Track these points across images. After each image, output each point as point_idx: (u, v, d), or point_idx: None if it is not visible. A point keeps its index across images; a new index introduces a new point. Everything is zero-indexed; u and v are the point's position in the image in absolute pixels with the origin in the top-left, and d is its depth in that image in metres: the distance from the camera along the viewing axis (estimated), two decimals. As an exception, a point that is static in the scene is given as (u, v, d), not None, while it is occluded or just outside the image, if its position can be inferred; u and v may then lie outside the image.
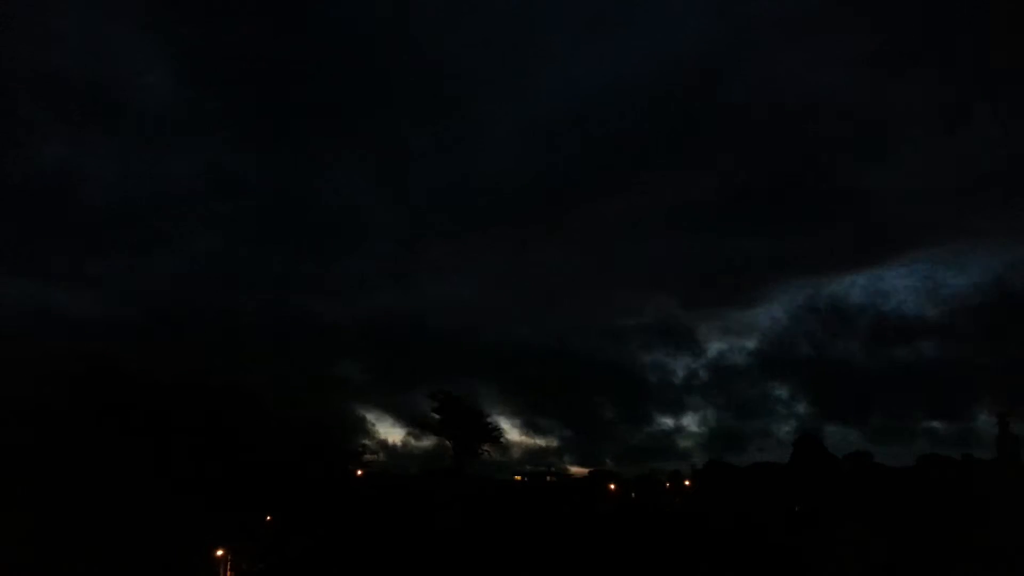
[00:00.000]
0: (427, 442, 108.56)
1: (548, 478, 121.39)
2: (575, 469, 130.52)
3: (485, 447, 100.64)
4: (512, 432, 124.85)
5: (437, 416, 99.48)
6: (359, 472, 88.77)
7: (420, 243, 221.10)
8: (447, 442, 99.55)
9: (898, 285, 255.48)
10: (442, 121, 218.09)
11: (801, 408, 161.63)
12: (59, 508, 49.17)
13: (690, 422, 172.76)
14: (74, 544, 48.52)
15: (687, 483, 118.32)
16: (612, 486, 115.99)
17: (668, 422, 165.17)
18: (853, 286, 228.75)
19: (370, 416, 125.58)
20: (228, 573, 58.98)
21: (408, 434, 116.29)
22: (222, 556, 58.16)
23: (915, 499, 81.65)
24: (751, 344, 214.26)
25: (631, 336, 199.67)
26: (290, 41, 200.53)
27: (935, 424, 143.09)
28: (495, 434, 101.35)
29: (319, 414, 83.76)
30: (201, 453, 58.69)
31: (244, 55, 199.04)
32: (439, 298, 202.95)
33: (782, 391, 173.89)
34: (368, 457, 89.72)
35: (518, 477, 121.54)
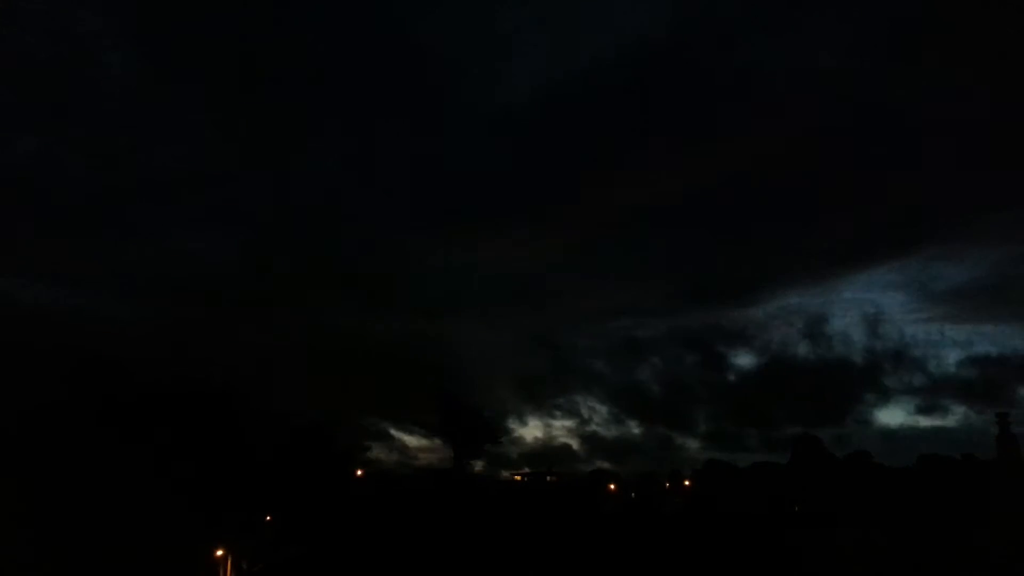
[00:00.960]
0: (427, 442, 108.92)
1: (548, 478, 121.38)
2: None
3: (485, 447, 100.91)
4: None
5: (437, 416, 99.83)
6: (359, 472, 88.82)
7: (404, 239, 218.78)
8: (447, 442, 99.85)
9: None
10: (423, 112, 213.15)
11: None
12: (59, 508, 49.18)
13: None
14: (74, 544, 48.53)
15: (687, 483, 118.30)
16: (612, 486, 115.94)
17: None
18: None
19: (370, 416, 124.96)
20: (228, 573, 58.96)
21: (408, 434, 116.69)
22: (222, 556, 58.14)
23: (915, 499, 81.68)
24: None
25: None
26: (270, 30, 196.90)
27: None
28: (495, 434, 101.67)
29: (319, 414, 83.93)
30: (201, 453, 58.70)
31: (221, 44, 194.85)
32: (426, 295, 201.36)
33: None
34: (368, 456, 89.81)
35: (518, 477, 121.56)
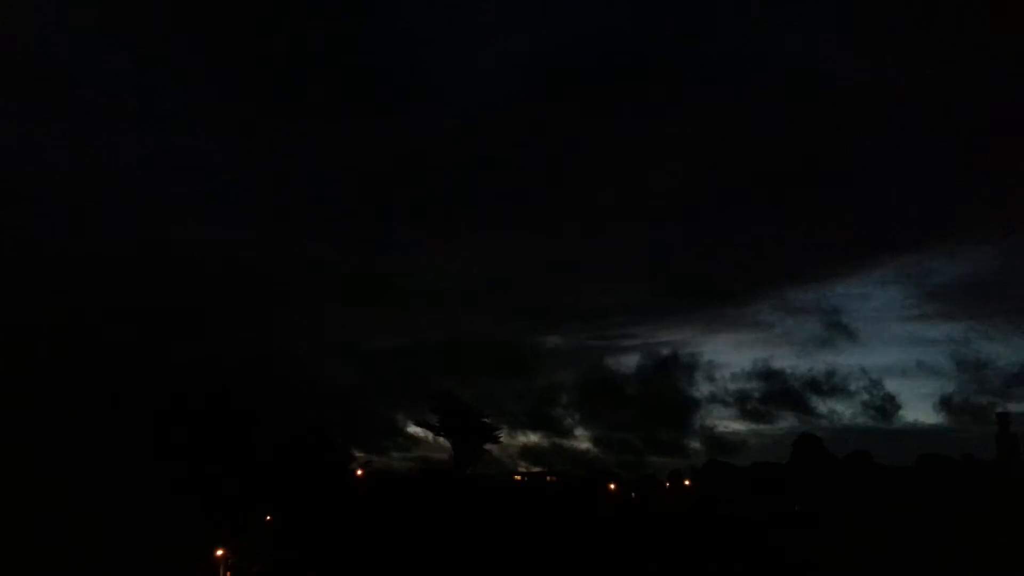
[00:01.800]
0: (427, 442, 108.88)
1: (548, 478, 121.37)
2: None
3: (485, 447, 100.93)
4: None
5: (436, 416, 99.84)
6: (359, 472, 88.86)
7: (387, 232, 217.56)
8: (447, 442, 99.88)
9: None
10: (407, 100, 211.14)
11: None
12: (59, 508, 49.20)
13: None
14: (74, 543, 48.54)
15: (687, 483, 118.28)
16: (612, 486, 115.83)
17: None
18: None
19: (369, 417, 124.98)
20: (228, 573, 58.93)
21: (409, 434, 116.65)
22: (222, 556, 58.13)
23: (915, 499, 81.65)
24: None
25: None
26: (253, 23, 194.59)
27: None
28: (494, 434, 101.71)
29: (319, 414, 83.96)
30: (201, 453, 58.73)
31: (203, 34, 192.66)
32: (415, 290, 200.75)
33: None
34: (367, 457, 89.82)
35: (518, 477, 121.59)
